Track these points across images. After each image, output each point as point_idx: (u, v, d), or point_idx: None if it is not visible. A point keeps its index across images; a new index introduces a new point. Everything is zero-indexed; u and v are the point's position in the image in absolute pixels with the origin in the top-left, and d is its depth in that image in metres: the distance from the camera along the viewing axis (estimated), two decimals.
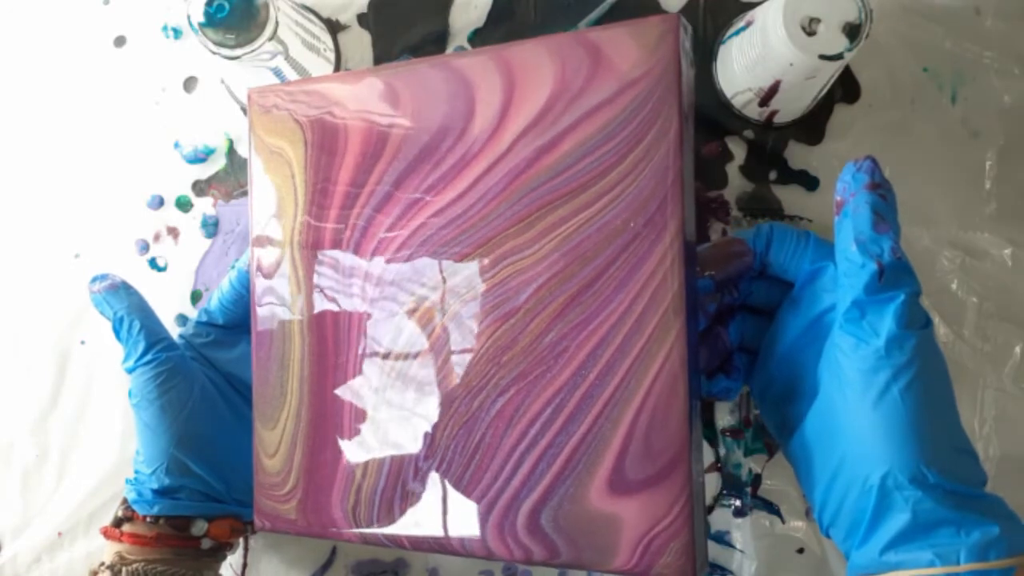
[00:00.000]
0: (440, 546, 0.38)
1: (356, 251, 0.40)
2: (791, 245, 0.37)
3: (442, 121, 0.38)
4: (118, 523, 0.42)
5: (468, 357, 0.38)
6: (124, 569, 0.40)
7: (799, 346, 0.36)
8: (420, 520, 0.39)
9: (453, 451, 0.38)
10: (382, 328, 0.39)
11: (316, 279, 0.41)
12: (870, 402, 0.32)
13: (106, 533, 0.42)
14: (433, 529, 0.38)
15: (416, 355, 0.39)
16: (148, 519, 0.41)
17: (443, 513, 0.38)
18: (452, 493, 0.38)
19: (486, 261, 0.37)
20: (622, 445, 0.35)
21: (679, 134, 0.34)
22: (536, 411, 0.37)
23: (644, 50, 0.35)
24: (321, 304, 0.41)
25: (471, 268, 0.38)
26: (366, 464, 0.40)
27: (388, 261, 0.39)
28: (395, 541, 0.39)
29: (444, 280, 0.38)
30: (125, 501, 0.43)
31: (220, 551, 0.44)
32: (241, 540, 0.49)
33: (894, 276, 0.32)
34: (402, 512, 0.39)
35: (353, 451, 0.40)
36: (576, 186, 0.36)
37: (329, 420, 0.40)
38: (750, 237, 0.38)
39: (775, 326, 0.38)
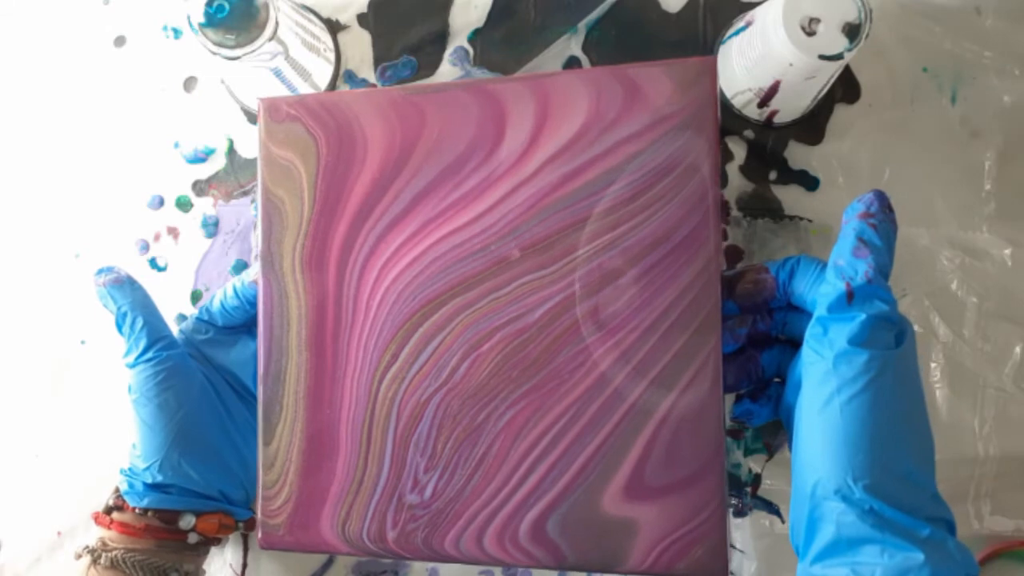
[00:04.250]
0: (432, 552, 0.39)
1: (364, 265, 0.40)
2: (812, 276, 0.37)
3: (469, 142, 0.39)
4: (108, 511, 0.43)
5: (476, 370, 0.38)
6: (104, 555, 0.41)
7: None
8: (414, 530, 0.39)
9: (456, 462, 0.39)
10: (385, 341, 0.39)
11: (318, 293, 0.40)
12: (815, 412, 0.32)
13: (96, 519, 0.43)
14: (427, 538, 0.39)
15: (421, 367, 0.39)
16: (137, 510, 0.42)
17: (441, 522, 0.39)
18: (451, 503, 0.38)
19: (500, 278, 0.38)
20: (642, 454, 0.37)
21: (715, 166, 0.36)
22: (548, 424, 0.38)
23: (680, 88, 0.36)
24: (321, 319, 0.40)
25: (484, 285, 0.38)
26: (361, 478, 0.40)
27: (397, 276, 0.39)
28: (386, 550, 0.39)
29: (455, 295, 0.39)
30: (117, 490, 0.43)
31: (205, 545, 0.45)
32: (242, 539, 0.49)
33: (863, 299, 0.32)
34: (395, 524, 0.39)
35: (348, 465, 0.40)
36: (600, 211, 0.37)
37: (325, 434, 0.40)
38: (776, 266, 0.38)
39: (797, 356, 0.38)
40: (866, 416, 0.31)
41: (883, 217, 0.34)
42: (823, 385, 0.32)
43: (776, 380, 0.41)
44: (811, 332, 0.34)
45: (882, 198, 0.35)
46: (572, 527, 0.37)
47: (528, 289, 0.38)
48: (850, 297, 0.33)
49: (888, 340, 0.33)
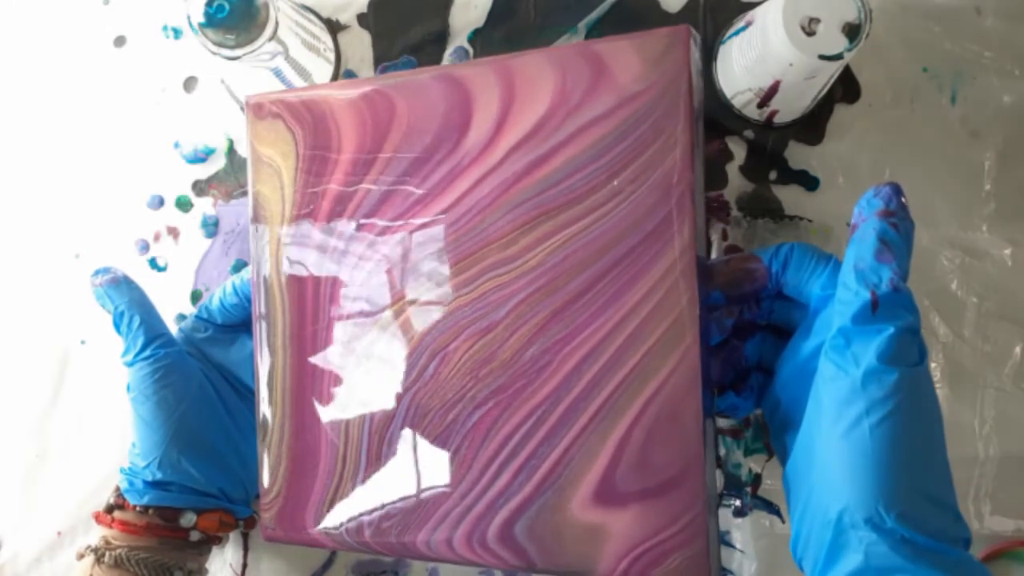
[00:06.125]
0: (407, 550, 0.39)
1: (339, 264, 0.40)
2: (808, 268, 0.35)
3: (437, 132, 0.37)
4: (110, 509, 0.43)
5: (444, 369, 0.38)
6: (108, 554, 0.41)
7: (804, 373, 0.35)
8: (389, 527, 0.39)
9: None
10: (358, 342, 0.39)
11: (297, 292, 0.41)
12: (839, 433, 0.30)
13: (97, 518, 0.43)
14: (401, 535, 0.39)
15: (392, 367, 0.39)
16: (138, 508, 0.42)
17: (413, 521, 0.38)
18: (423, 502, 0.38)
19: (466, 275, 0.37)
20: (613, 457, 0.35)
21: (688, 147, 0.33)
22: (515, 424, 0.36)
23: (648, 63, 0.34)
24: (300, 317, 0.41)
25: (451, 283, 0.37)
26: (341, 473, 0.40)
27: (368, 275, 0.39)
28: (365, 545, 0.39)
29: (422, 294, 0.38)
30: (118, 488, 0.43)
31: (207, 544, 0.45)
32: (242, 538, 0.49)
33: (888, 309, 0.30)
34: (371, 520, 0.39)
35: (329, 462, 0.40)
36: (565, 201, 0.35)
37: (307, 432, 0.41)
38: (769, 255, 0.37)
39: (787, 350, 0.37)
40: (896, 440, 0.30)
41: (903, 215, 0.32)
42: (848, 405, 0.30)
43: (757, 369, 0.39)
44: (832, 344, 0.32)
45: (899, 192, 0.32)
46: (540, 531, 0.36)
47: (494, 285, 0.36)
48: (875, 307, 0.30)
49: (914, 355, 0.31)
